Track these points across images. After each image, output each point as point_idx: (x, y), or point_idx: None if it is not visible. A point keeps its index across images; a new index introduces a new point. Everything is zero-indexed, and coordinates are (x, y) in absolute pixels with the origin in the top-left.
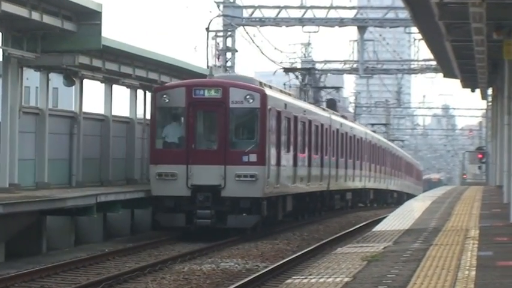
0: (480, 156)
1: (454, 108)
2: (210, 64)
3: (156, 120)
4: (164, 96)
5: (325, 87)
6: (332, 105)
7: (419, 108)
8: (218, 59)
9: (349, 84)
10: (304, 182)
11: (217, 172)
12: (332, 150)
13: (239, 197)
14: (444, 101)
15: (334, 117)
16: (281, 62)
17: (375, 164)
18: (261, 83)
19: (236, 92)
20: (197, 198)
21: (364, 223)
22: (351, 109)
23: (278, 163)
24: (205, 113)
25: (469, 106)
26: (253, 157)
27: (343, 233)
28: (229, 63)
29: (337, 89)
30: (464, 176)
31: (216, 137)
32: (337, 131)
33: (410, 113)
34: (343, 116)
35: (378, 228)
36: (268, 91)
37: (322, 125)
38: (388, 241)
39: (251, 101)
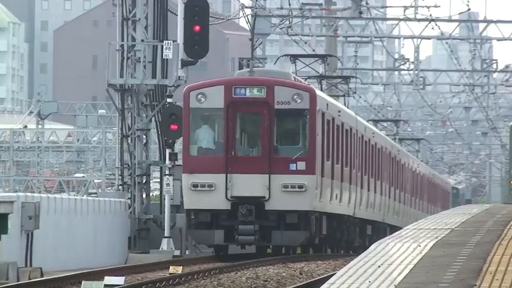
0: None
1: (488, 22)
2: None
3: (189, 123)
4: (199, 96)
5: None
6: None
7: (407, 20)
8: None
9: None
10: (338, 200)
11: (261, 182)
12: (359, 163)
13: (286, 210)
14: (465, 6)
15: (359, 118)
16: None
17: (394, 185)
18: (295, 78)
19: (282, 91)
20: (238, 212)
21: None
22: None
23: (322, 174)
24: (247, 115)
25: None
26: (301, 165)
27: None
28: None
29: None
30: None
31: (259, 142)
32: (362, 137)
33: (385, 34)
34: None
35: None
36: (317, 90)
37: (351, 128)
38: None
39: (299, 101)
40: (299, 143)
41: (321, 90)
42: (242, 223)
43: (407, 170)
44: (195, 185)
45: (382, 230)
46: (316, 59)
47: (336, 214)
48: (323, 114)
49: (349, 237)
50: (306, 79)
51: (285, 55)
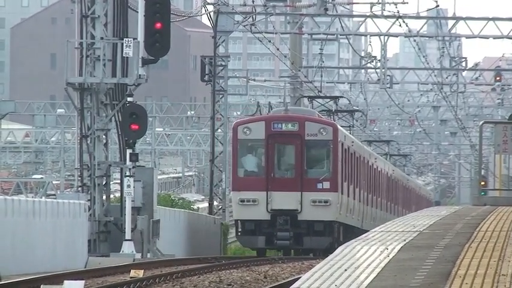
0: None
1: (456, 19)
2: None
3: (237, 151)
4: (245, 129)
5: None
6: None
7: (373, 17)
8: None
9: None
10: (351, 214)
11: (295, 198)
12: (366, 184)
13: (314, 220)
14: (433, 3)
15: (365, 147)
16: None
17: (391, 201)
18: (318, 114)
19: (311, 126)
20: (277, 222)
21: None
22: None
23: (342, 192)
24: (283, 145)
25: (493, 13)
26: (326, 184)
27: None
28: None
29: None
30: (483, 184)
31: (293, 166)
32: (367, 162)
33: (351, 31)
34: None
35: None
36: (338, 125)
37: (360, 155)
38: None
39: (324, 133)
40: (324, 167)
41: None
42: (280, 230)
43: (400, 186)
44: (242, 200)
45: None
46: (329, 100)
47: (349, 225)
48: (342, 144)
49: None
50: (320, 112)
51: (303, 96)
